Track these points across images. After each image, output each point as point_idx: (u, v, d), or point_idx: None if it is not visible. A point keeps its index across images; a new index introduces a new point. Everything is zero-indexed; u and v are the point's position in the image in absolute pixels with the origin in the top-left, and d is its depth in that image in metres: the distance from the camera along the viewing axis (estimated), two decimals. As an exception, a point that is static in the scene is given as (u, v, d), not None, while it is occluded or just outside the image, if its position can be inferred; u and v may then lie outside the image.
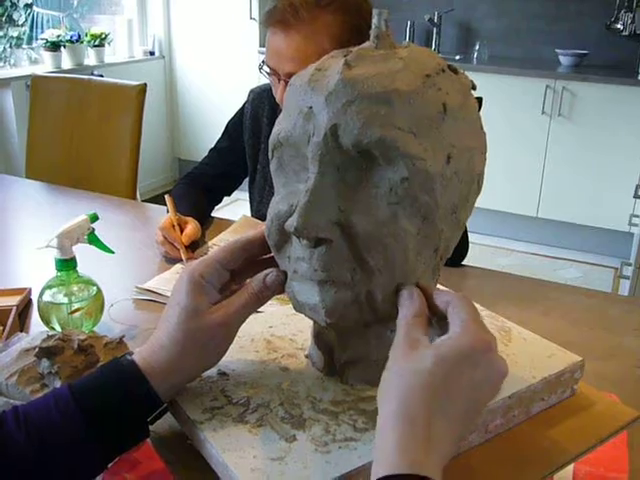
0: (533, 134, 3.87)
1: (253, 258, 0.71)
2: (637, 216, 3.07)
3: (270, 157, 0.64)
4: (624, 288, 2.67)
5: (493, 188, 3.86)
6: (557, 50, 4.07)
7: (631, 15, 3.96)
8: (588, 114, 3.72)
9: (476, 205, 0.66)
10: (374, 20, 0.59)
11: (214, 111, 4.66)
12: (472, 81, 0.63)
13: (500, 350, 0.75)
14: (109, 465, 0.65)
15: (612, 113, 3.65)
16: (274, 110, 1.65)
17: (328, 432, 0.62)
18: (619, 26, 4.01)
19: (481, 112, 1.73)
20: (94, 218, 1.13)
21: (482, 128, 0.64)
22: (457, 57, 4.27)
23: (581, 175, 3.82)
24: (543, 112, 3.79)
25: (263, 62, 1.43)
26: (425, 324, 0.57)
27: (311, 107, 0.57)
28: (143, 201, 2.36)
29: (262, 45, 4.34)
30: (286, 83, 1.38)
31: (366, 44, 0.60)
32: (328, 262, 0.58)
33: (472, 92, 0.63)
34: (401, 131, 0.54)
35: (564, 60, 4.03)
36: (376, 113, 0.54)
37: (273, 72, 1.41)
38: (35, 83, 2.32)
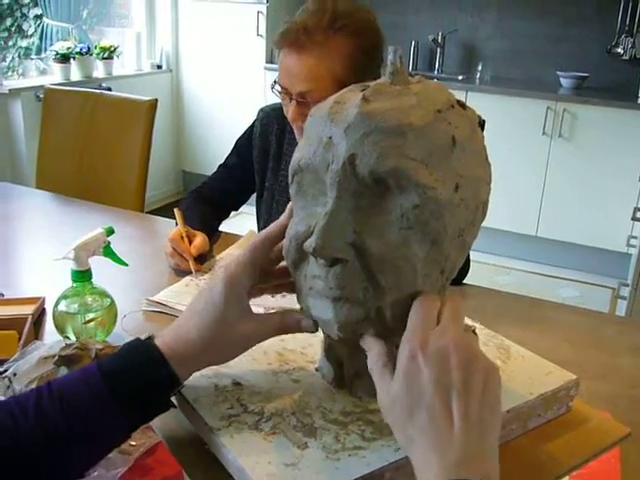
0: (534, 154, 3.93)
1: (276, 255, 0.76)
2: (635, 237, 3.11)
3: (290, 182, 0.68)
4: (621, 308, 2.70)
5: (493, 207, 3.87)
6: (558, 72, 4.13)
7: (631, 40, 4.03)
8: (588, 136, 3.78)
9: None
10: (390, 57, 0.64)
11: (219, 124, 4.72)
12: (480, 116, 0.67)
13: (499, 367, 0.80)
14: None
15: (612, 135, 3.71)
16: (282, 129, 1.69)
17: (338, 441, 0.66)
18: (619, 50, 4.08)
19: (483, 133, 1.78)
20: (110, 231, 1.17)
21: (487, 159, 0.68)
22: (460, 77, 4.34)
23: (580, 196, 3.87)
24: (544, 133, 3.85)
25: (275, 82, 1.48)
26: (387, 361, 0.62)
27: (331, 137, 0.62)
28: (148, 212, 2.40)
29: (268, 61, 4.41)
30: (298, 102, 1.43)
31: (382, 79, 0.65)
32: (342, 280, 0.63)
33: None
34: (414, 162, 0.59)
35: (565, 82, 4.10)
36: (391, 145, 0.59)
37: (285, 91, 1.45)
38: (47, 95, 2.38)
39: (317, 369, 0.78)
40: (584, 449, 0.73)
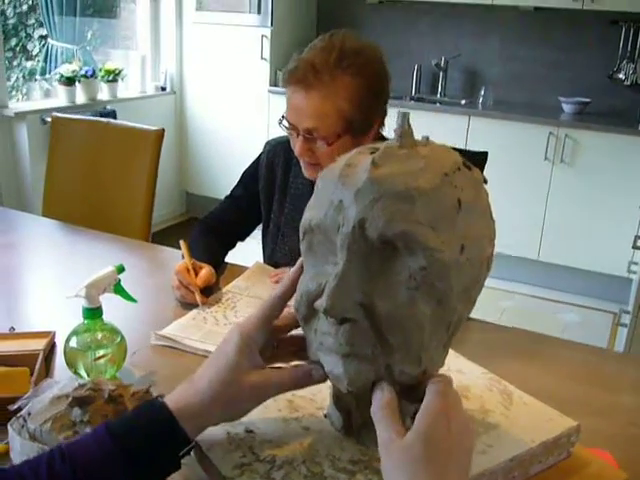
0: (536, 179, 3.96)
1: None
2: (636, 263, 3.13)
3: (301, 239, 0.71)
4: (622, 336, 2.72)
5: (496, 231, 3.93)
6: (560, 98, 4.17)
7: (633, 66, 4.08)
8: (590, 161, 3.81)
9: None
10: (398, 121, 0.67)
11: (223, 146, 4.77)
12: (484, 176, 0.70)
13: (502, 413, 0.83)
14: None
15: (613, 161, 3.75)
16: (288, 162, 1.72)
17: (347, 490, 0.68)
18: (621, 76, 4.12)
19: (486, 165, 1.80)
20: (120, 269, 1.19)
21: (492, 216, 0.71)
22: (462, 101, 4.38)
23: (582, 220, 3.90)
24: (546, 158, 3.88)
25: (283, 117, 1.51)
26: (395, 409, 0.65)
27: (341, 200, 0.64)
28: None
29: (272, 85, 4.46)
30: (305, 138, 1.47)
31: (390, 142, 0.68)
32: (352, 338, 0.65)
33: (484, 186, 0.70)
34: (421, 225, 0.62)
35: (567, 108, 4.14)
36: (399, 209, 0.62)
37: (292, 127, 1.49)
38: (55, 123, 2.41)
39: (326, 416, 0.80)
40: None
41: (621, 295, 3.71)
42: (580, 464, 0.81)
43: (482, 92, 4.37)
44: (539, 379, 1.26)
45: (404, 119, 0.66)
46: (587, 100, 4.11)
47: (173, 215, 5.04)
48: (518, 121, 3.93)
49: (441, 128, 4.06)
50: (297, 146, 1.50)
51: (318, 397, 0.83)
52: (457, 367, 0.93)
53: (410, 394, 0.67)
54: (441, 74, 4.56)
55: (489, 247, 0.70)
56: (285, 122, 1.51)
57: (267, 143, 1.79)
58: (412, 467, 0.60)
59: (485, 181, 0.70)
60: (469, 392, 0.87)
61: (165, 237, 4.39)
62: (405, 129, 0.67)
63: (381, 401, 0.65)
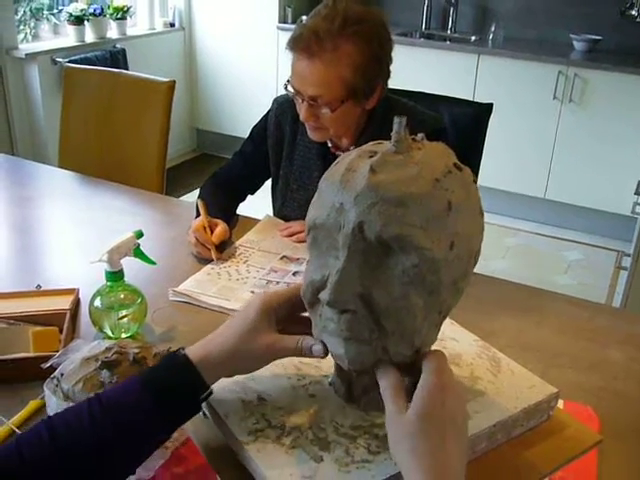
0: (544, 118, 3.97)
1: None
2: (640, 204, 3.17)
3: (306, 234, 0.78)
4: (623, 277, 2.80)
5: (503, 169, 3.98)
6: (571, 35, 4.13)
7: (646, 2, 4.01)
8: (598, 102, 3.81)
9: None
10: (395, 126, 0.73)
11: (232, 82, 4.77)
12: (474, 176, 0.76)
13: (489, 380, 0.92)
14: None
15: (622, 102, 3.75)
16: (296, 119, 1.76)
17: (348, 454, 0.78)
18: (634, 12, 4.05)
19: (494, 97, 1.84)
20: (139, 235, 1.27)
21: (481, 211, 0.78)
22: (472, 38, 4.34)
23: (589, 160, 3.93)
24: (554, 97, 3.88)
25: (288, 81, 1.57)
26: (401, 388, 0.74)
27: (342, 204, 0.71)
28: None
29: (281, 21, 4.43)
30: (309, 104, 1.53)
31: (388, 147, 0.74)
32: (351, 325, 0.74)
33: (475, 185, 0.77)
34: (414, 228, 0.69)
35: (577, 45, 4.10)
36: (394, 214, 0.69)
37: (297, 92, 1.54)
38: (68, 74, 2.45)
39: (330, 383, 0.89)
40: (559, 456, 0.84)
41: (625, 234, 3.77)
42: (559, 427, 0.90)
43: (492, 28, 4.32)
44: (531, 333, 1.34)
45: (400, 126, 0.72)
46: (598, 37, 4.07)
47: (184, 151, 5.10)
48: (527, 60, 3.91)
49: (450, 67, 4.06)
50: (302, 111, 1.56)
51: (323, 364, 0.92)
52: (451, 335, 1.01)
53: (407, 369, 0.76)
54: (451, 9, 4.51)
55: (477, 241, 0.77)
56: (290, 87, 1.56)
57: (275, 100, 1.83)
58: (411, 440, 0.68)
59: (475, 181, 0.76)
60: (460, 360, 0.95)
61: (177, 173, 4.49)
62: (401, 135, 0.73)
63: (387, 381, 0.74)
